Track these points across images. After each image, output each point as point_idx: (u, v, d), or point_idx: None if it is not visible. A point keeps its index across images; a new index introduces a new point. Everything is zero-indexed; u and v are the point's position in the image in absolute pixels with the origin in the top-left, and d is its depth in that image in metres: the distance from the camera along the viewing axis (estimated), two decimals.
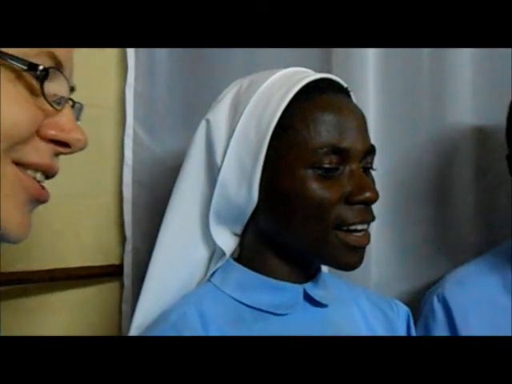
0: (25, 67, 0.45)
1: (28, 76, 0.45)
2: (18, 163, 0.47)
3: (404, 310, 0.84)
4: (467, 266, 0.95)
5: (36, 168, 0.48)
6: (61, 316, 1.00)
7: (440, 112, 1.09)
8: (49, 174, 0.50)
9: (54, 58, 0.48)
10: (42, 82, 0.46)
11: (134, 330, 0.73)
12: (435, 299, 0.90)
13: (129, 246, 1.01)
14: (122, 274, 1.01)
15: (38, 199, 0.49)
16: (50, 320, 0.99)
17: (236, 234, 0.74)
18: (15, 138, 0.45)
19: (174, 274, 0.74)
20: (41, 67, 0.45)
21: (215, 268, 0.73)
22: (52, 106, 0.47)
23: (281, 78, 0.70)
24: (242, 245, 0.74)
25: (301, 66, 0.74)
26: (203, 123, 0.73)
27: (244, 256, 0.74)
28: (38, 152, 0.48)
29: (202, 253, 0.75)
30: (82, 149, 0.50)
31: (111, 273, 1.02)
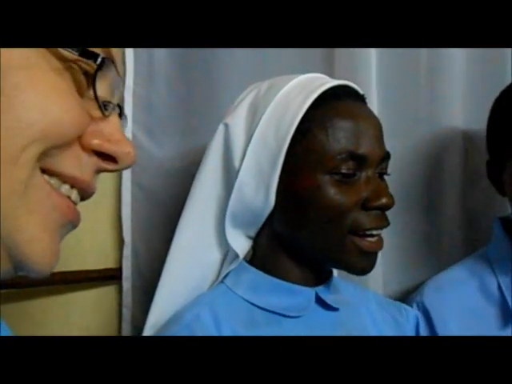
0: (77, 53, 0.36)
1: (76, 69, 0.37)
2: (51, 174, 0.37)
3: (413, 314, 0.86)
4: (446, 272, 0.95)
5: (73, 183, 0.38)
6: (59, 320, 0.99)
7: (436, 115, 1.09)
8: (85, 195, 0.40)
9: (106, 50, 0.39)
10: (94, 75, 0.36)
11: (149, 330, 0.74)
12: (415, 307, 0.90)
13: (128, 250, 1.00)
14: (120, 278, 1.00)
15: (72, 222, 0.39)
16: (48, 324, 0.98)
17: (249, 237, 0.75)
18: (55, 140, 0.35)
19: (188, 276, 0.75)
20: (98, 56, 0.36)
21: (228, 270, 0.73)
22: (101, 109, 0.38)
23: (299, 83, 0.71)
24: (255, 247, 0.75)
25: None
26: (221, 127, 0.73)
27: (257, 258, 0.74)
28: (79, 165, 0.38)
29: (215, 255, 0.75)
30: (129, 166, 0.40)
31: (110, 276, 1.01)
